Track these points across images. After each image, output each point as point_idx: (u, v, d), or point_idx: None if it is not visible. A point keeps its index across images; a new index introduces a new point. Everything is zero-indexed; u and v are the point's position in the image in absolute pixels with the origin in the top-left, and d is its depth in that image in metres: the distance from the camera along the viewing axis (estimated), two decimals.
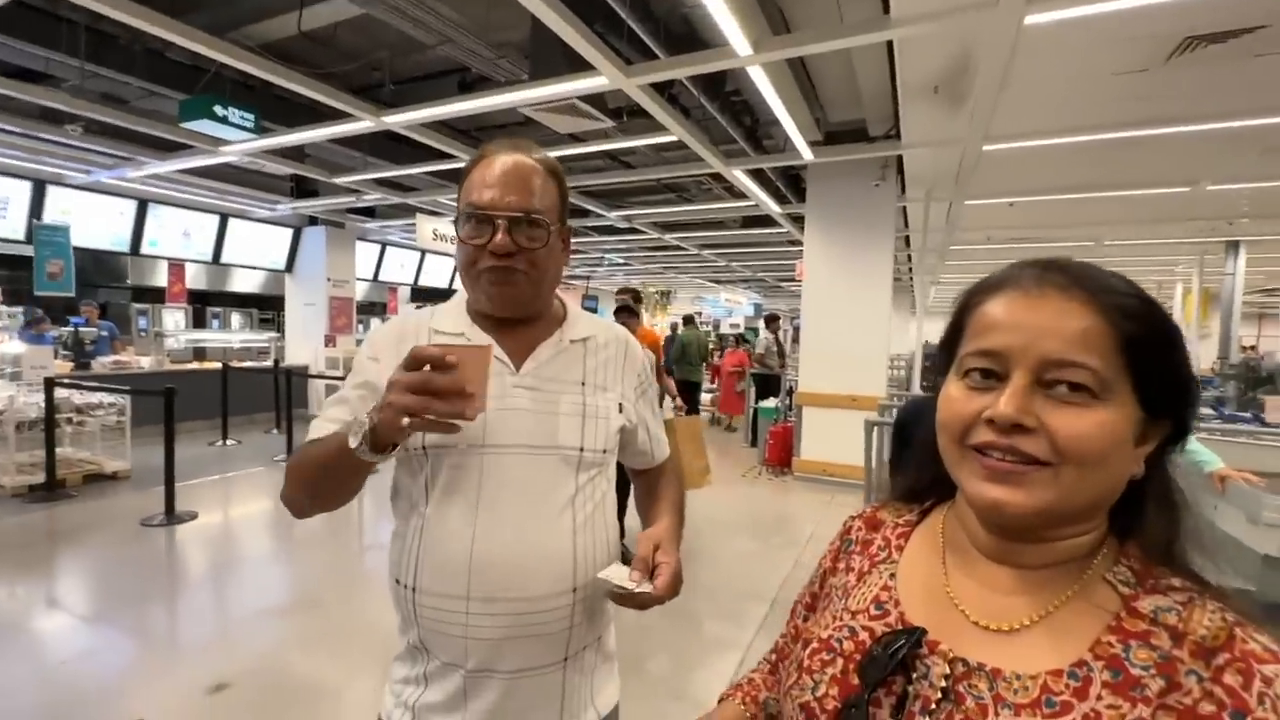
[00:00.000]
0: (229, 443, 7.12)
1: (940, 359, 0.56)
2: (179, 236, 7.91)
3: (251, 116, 4.12)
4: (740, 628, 3.03)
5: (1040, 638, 0.48)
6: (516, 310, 0.90)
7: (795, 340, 10.59)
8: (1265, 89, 3.39)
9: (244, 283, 11.72)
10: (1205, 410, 4.18)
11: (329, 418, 0.89)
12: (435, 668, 0.85)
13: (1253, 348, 11.12)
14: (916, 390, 6.11)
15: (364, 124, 4.40)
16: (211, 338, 9.94)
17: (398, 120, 4.32)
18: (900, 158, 5.04)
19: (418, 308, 1.10)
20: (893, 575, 0.58)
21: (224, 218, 8.19)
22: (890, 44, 3.18)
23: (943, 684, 0.48)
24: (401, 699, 0.89)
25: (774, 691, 0.70)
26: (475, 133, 6.12)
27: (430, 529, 0.84)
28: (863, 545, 0.64)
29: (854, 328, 5.60)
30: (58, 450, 5.03)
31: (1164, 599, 0.46)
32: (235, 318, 11.14)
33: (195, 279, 10.28)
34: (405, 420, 0.68)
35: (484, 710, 0.84)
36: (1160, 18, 2.69)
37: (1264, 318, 15.88)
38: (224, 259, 8.51)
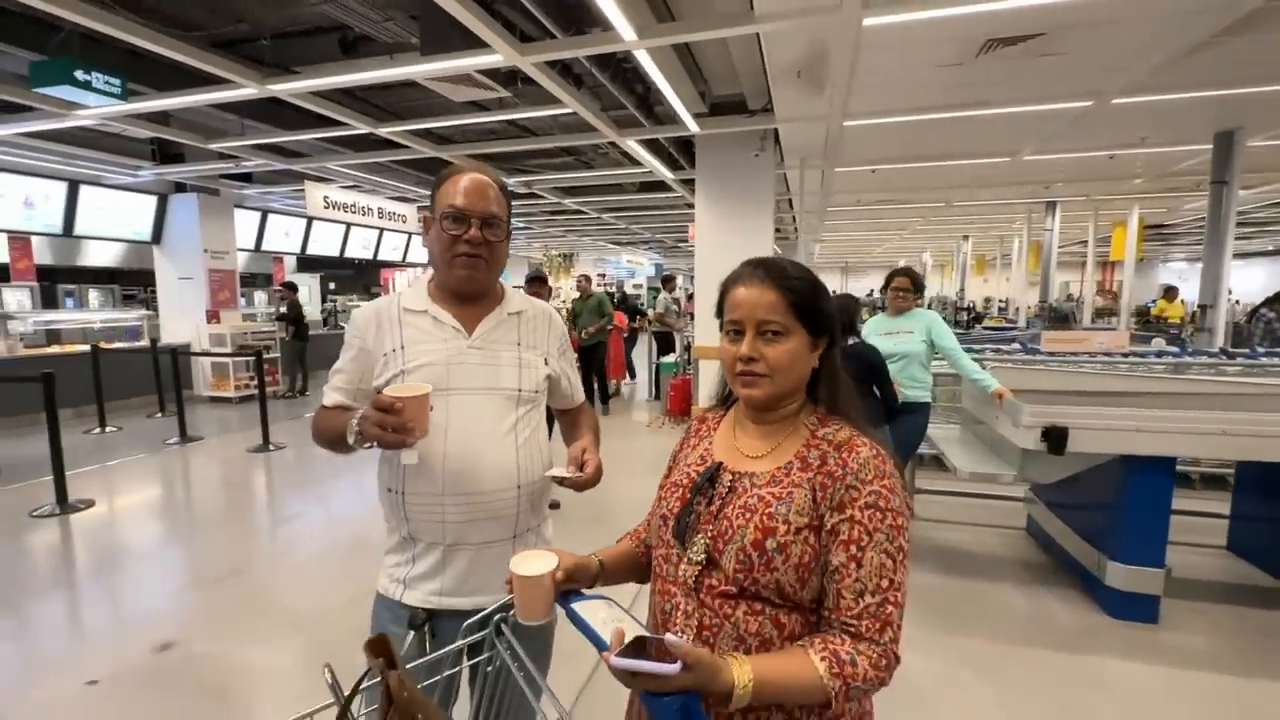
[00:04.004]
0: (108, 429, 6.69)
1: (719, 323, 0.97)
2: (20, 206, 7.08)
3: (118, 82, 3.88)
4: None
5: (773, 457, 0.91)
6: (477, 288, 1.23)
7: (691, 299, 11.18)
8: (1051, 82, 4.15)
9: (100, 256, 10.58)
10: (1012, 346, 5.14)
11: (334, 386, 1.24)
12: (421, 549, 1.20)
13: (1070, 297, 13.03)
14: None
15: (247, 91, 4.25)
16: (68, 318, 8.99)
17: (286, 89, 4.22)
18: (777, 130, 5.54)
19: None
20: (710, 442, 1.00)
21: (74, 185, 7.39)
22: (758, 34, 3.58)
23: (728, 483, 0.90)
24: (396, 577, 1.22)
25: (649, 532, 1.10)
26: (361, 94, 5.95)
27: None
28: (696, 432, 1.06)
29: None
30: None
31: (829, 429, 0.90)
32: (93, 295, 10.07)
33: (40, 254, 9.19)
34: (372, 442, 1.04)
35: (457, 574, 1.19)
36: (964, 25, 3.27)
37: (1082, 265, 18.53)
38: (77, 231, 7.71)
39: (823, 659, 0.75)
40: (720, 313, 0.94)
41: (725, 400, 1.06)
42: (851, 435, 0.87)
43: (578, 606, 0.85)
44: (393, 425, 0.99)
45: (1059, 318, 6.45)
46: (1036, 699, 2.28)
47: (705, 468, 0.93)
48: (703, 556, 0.86)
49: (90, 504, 4.34)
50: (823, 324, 0.91)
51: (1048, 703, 2.26)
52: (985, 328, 9.62)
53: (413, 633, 1.16)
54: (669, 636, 0.66)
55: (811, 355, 0.91)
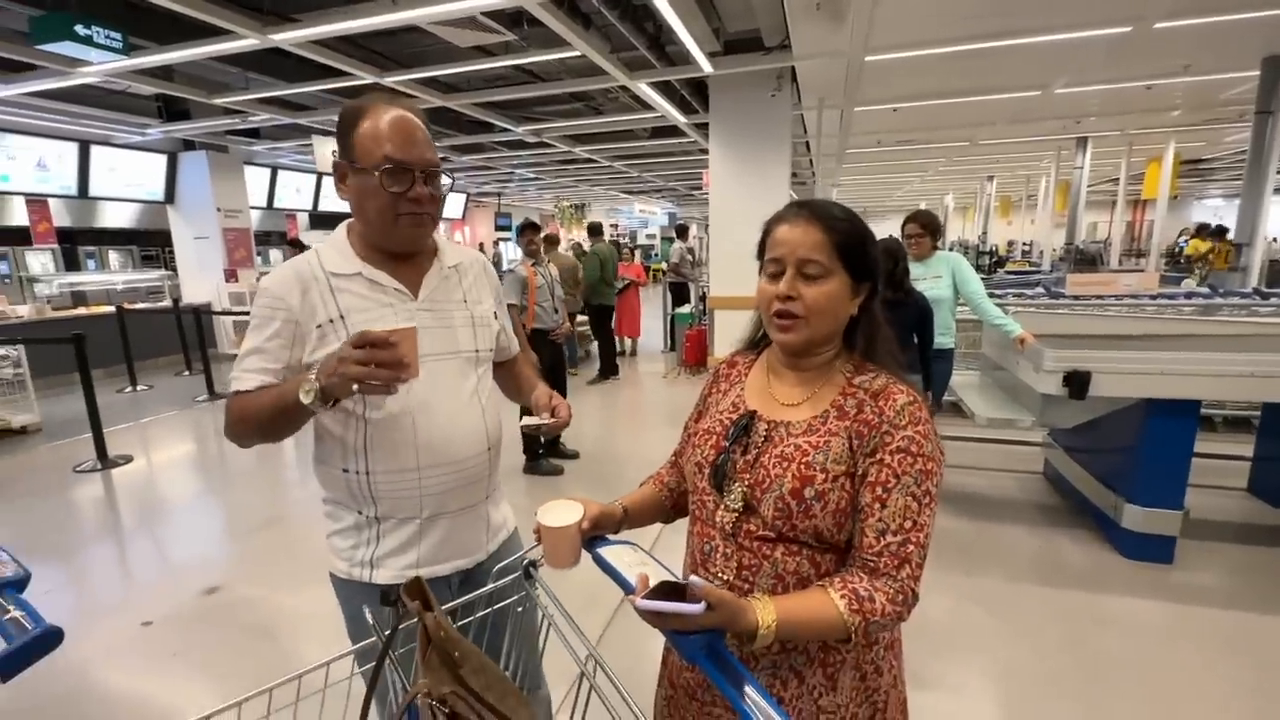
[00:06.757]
0: (140, 388, 6.89)
1: (759, 264, 0.95)
2: (34, 169, 7.10)
3: (119, 35, 3.79)
4: None
5: (809, 405, 0.91)
6: (423, 245, 1.13)
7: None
8: (1088, 6, 3.89)
9: (117, 217, 10.64)
10: (1036, 290, 5.02)
11: (252, 368, 1.04)
12: (389, 525, 1.12)
13: (1099, 241, 12.60)
14: None
15: (248, 42, 4.14)
16: (92, 280, 9.12)
17: (287, 38, 4.10)
18: (794, 68, 5.31)
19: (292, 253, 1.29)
20: (742, 388, 1.00)
21: (85, 145, 7.37)
22: None
23: (764, 432, 0.91)
24: (358, 560, 1.13)
25: (674, 477, 1.12)
26: (364, 42, 5.78)
27: (375, 426, 1.07)
28: (725, 377, 1.05)
29: (757, 233, 6.01)
30: None
31: (866, 377, 0.89)
32: (113, 256, 10.17)
33: (58, 216, 9.26)
34: (355, 386, 0.88)
35: (434, 543, 1.14)
36: None
37: (1113, 205, 17.84)
38: (92, 192, 7.73)
39: (842, 597, 0.78)
40: (761, 254, 0.93)
41: (756, 344, 1.05)
42: (888, 383, 0.87)
43: (604, 552, 0.88)
44: (387, 360, 0.86)
45: (1085, 260, 6.24)
46: (1046, 634, 2.35)
47: (739, 415, 0.94)
48: (740, 504, 0.87)
49: (129, 459, 4.52)
50: (866, 269, 0.89)
51: (1058, 637, 2.32)
52: (1008, 272, 9.39)
53: (386, 609, 1.10)
54: (694, 579, 0.68)
55: (851, 302, 0.89)
